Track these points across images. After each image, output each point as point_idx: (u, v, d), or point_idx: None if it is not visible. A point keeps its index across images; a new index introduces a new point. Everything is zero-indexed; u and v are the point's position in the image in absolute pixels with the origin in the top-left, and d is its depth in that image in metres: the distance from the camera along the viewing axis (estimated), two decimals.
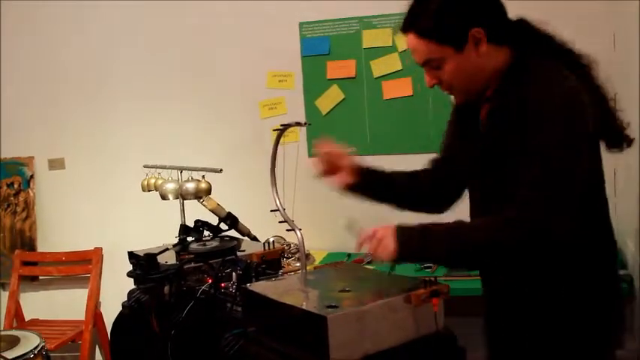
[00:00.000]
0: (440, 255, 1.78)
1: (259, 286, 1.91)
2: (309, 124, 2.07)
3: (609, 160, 3.47)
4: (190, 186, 2.62)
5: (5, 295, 4.49)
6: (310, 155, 4.15)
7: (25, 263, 4.51)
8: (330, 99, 4.11)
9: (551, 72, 1.79)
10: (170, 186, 2.75)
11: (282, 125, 2.06)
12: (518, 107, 1.76)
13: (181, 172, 2.73)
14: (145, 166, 3.04)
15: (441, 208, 2.19)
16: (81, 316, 4.31)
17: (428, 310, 1.74)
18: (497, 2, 1.87)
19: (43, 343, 2.93)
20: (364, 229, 1.80)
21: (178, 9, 4.30)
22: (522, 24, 1.92)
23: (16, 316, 4.44)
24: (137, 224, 4.23)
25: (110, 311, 3.84)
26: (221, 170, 2.55)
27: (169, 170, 2.86)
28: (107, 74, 4.48)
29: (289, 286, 1.93)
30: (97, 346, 4.53)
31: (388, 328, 1.68)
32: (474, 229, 1.79)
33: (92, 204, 4.52)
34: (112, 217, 4.45)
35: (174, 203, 2.92)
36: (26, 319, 4.52)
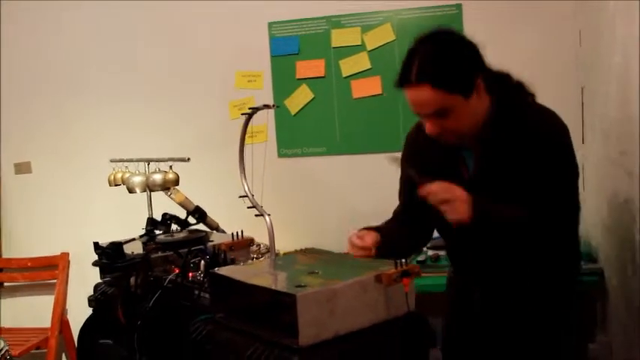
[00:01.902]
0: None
1: (227, 270, 1.88)
2: (278, 107, 2.05)
3: (578, 155, 3.52)
4: (158, 177, 2.58)
5: None
6: (280, 155, 4.15)
7: None
8: (299, 99, 4.09)
9: (542, 111, 2.02)
10: (137, 179, 2.71)
11: (250, 108, 2.03)
12: (527, 139, 1.94)
13: (148, 164, 2.70)
14: (111, 161, 3.00)
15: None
16: (47, 323, 4.23)
17: (399, 290, 1.72)
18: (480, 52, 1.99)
19: (7, 348, 2.85)
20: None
21: (146, 8, 4.27)
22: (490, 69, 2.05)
23: None
24: (106, 226, 4.12)
25: (78, 318, 3.78)
26: (189, 159, 2.52)
27: (137, 164, 2.82)
28: (72, 76, 4.43)
29: (258, 269, 1.90)
30: (63, 354, 4.43)
31: (359, 308, 1.66)
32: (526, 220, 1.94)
33: (60, 208, 4.45)
34: (80, 220, 4.37)
35: (143, 200, 2.88)
36: None
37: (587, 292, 3.09)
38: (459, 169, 2.07)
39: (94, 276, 2.57)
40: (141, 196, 3.14)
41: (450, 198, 1.86)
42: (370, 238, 2.02)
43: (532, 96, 2.11)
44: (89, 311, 2.68)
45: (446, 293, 2.40)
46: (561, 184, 1.97)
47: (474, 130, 1.98)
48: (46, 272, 4.38)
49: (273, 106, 1.99)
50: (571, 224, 2.06)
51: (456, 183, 1.98)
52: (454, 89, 1.88)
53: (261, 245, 3.62)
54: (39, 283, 4.45)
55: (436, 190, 1.89)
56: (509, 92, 2.05)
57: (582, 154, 3.62)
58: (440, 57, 1.90)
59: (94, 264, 2.36)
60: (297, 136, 4.12)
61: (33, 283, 4.46)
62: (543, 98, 3.63)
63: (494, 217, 1.90)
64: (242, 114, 2.06)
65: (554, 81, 3.72)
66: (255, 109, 1.99)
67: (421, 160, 2.15)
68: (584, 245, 3.46)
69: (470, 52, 1.95)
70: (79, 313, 3.35)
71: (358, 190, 4.00)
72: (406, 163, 2.21)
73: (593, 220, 3.36)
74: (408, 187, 2.17)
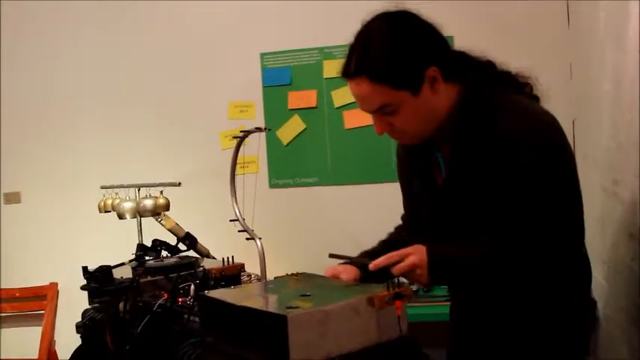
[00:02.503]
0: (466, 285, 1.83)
1: (217, 293, 1.85)
2: (269, 130, 2.04)
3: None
4: (148, 202, 2.57)
5: None
6: (271, 186, 4.14)
7: None
8: (291, 129, 4.09)
9: (521, 107, 1.75)
10: (127, 204, 2.71)
11: (242, 131, 2.03)
12: (495, 142, 1.69)
13: (139, 190, 2.68)
14: (102, 187, 2.99)
15: None
16: (35, 354, 4.17)
17: (391, 313, 1.69)
18: (443, 38, 1.77)
19: None
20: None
21: (139, 37, 4.30)
22: (464, 56, 1.86)
23: None
24: (95, 255, 4.10)
25: (66, 349, 3.72)
26: (179, 184, 2.51)
27: (127, 190, 2.80)
28: (63, 106, 4.42)
29: (248, 292, 1.87)
30: None
31: (350, 330, 1.63)
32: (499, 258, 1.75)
33: (49, 238, 4.41)
34: (69, 250, 4.33)
35: (133, 229, 2.87)
36: None
37: None
38: (433, 174, 1.87)
39: (84, 306, 2.54)
40: (131, 225, 3.14)
41: (408, 264, 1.73)
42: (347, 276, 1.91)
43: (522, 87, 1.87)
44: (77, 342, 2.65)
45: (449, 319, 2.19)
46: (535, 203, 1.67)
47: (434, 127, 1.77)
48: (35, 302, 4.32)
49: (266, 129, 1.99)
50: (559, 251, 1.74)
51: (428, 192, 1.88)
52: (398, 84, 1.66)
53: (252, 275, 3.61)
54: (27, 313, 4.39)
55: (389, 258, 1.75)
56: (481, 82, 1.79)
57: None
58: (382, 46, 1.68)
59: (83, 288, 2.32)
60: (288, 167, 4.11)
61: (21, 314, 4.40)
62: None
63: (454, 270, 1.76)
64: (234, 137, 2.05)
65: None
66: (247, 132, 1.98)
67: (404, 169, 2.02)
68: None
69: (422, 39, 1.71)
70: (67, 344, 3.30)
71: (350, 220, 3.98)
72: (399, 172, 2.08)
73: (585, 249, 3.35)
74: (407, 189, 2.03)
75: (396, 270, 1.72)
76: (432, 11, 3.93)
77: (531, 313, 1.82)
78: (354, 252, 2.06)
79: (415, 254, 1.72)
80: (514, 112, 1.71)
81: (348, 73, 1.71)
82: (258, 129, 1.97)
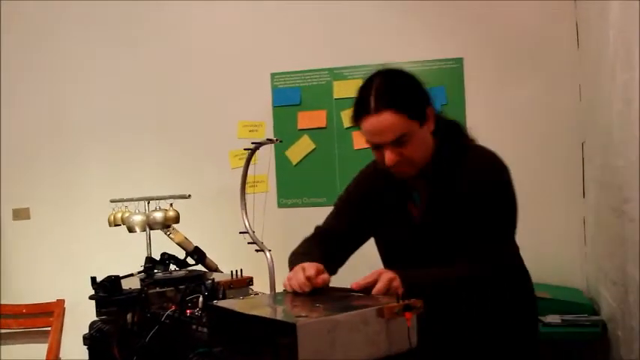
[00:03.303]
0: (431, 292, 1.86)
1: (226, 303, 1.85)
2: (281, 141, 2.05)
3: (580, 209, 3.52)
4: (158, 215, 2.57)
5: None
6: (280, 205, 4.14)
7: None
8: (300, 149, 4.11)
9: (482, 151, 2.07)
10: (137, 217, 2.71)
11: (253, 143, 2.03)
12: (468, 187, 1.98)
13: (148, 203, 2.69)
14: (111, 201, 3.00)
15: None
16: None
17: (401, 325, 1.68)
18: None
19: None
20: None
21: (149, 56, 4.34)
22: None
23: None
24: (103, 270, 4.12)
25: None
26: (189, 196, 2.51)
27: (137, 204, 2.81)
28: (73, 124, 4.47)
29: (257, 303, 1.87)
30: None
31: (360, 341, 1.62)
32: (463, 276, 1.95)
33: (57, 254, 4.43)
34: (77, 268, 4.30)
35: (142, 245, 2.86)
36: None
37: (590, 344, 3.06)
38: (409, 211, 2.11)
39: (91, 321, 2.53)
40: (140, 240, 3.13)
41: (383, 280, 1.83)
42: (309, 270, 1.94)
43: (467, 137, 2.15)
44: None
45: None
46: (495, 224, 2.00)
47: (423, 165, 2.03)
48: (41, 319, 4.32)
49: (277, 140, 1.98)
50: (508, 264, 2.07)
51: (405, 226, 2.09)
52: (412, 115, 1.94)
53: (260, 293, 3.60)
54: (34, 330, 4.38)
55: (366, 280, 1.85)
56: (450, 131, 2.11)
57: (584, 209, 3.63)
58: (395, 84, 1.97)
59: (91, 297, 2.32)
60: (297, 187, 4.12)
61: (28, 330, 4.39)
62: (544, 153, 3.70)
63: (425, 279, 1.91)
64: (245, 149, 2.06)
65: (555, 136, 3.75)
66: (258, 144, 1.98)
67: (373, 200, 2.18)
68: (584, 297, 3.45)
69: (418, 82, 2.02)
70: None
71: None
72: (357, 195, 2.25)
73: (595, 272, 3.34)
74: (353, 217, 2.21)
75: (376, 290, 1.81)
76: (441, 34, 3.98)
77: (489, 315, 2.07)
78: (363, 270, 2.07)
79: (386, 272, 1.85)
80: (477, 157, 2.05)
81: (368, 110, 1.93)
82: (270, 140, 1.98)
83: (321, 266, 1.95)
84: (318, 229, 2.32)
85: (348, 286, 1.90)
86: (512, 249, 2.10)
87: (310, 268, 1.92)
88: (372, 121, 1.93)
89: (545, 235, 3.61)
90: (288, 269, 2.03)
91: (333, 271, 2.14)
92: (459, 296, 1.97)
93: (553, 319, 3.12)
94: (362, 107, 1.96)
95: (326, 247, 2.20)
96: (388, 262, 2.22)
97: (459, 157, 2.05)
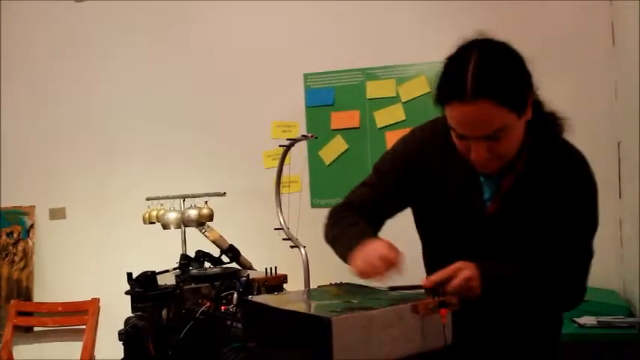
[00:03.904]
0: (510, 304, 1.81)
1: (260, 298, 1.86)
2: (316, 137, 2.04)
3: (616, 209, 3.47)
4: (192, 212, 2.59)
5: None
6: (313, 205, 4.14)
7: (21, 313, 4.43)
8: (333, 149, 4.11)
9: (579, 156, 1.85)
10: (172, 215, 2.73)
11: (288, 140, 2.04)
12: (557, 185, 1.77)
13: (184, 201, 2.71)
14: (147, 199, 3.02)
15: None
16: None
17: (436, 322, 1.67)
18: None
19: None
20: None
21: (185, 57, 4.38)
22: None
23: None
24: (138, 269, 4.18)
25: None
26: (224, 194, 2.52)
27: (172, 202, 2.83)
28: (108, 122, 4.54)
29: (291, 298, 1.87)
30: None
31: (394, 337, 1.61)
32: (542, 283, 1.80)
33: (92, 254, 4.48)
34: (111, 266, 4.36)
35: (176, 242, 2.88)
36: None
37: (626, 346, 3.01)
38: (478, 202, 1.85)
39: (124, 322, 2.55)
40: (174, 239, 3.15)
41: (460, 277, 1.66)
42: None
43: (560, 127, 1.89)
44: (118, 358, 2.66)
45: None
46: (581, 236, 1.82)
47: (506, 163, 1.76)
48: (76, 317, 4.37)
49: (312, 136, 1.98)
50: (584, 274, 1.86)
51: (472, 213, 1.84)
52: (513, 106, 1.62)
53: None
54: (68, 328, 4.43)
55: (443, 274, 1.68)
56: (546, 122, 1.84)
57: (619, 209, 3.58)
58: (498, 66, 1.64)
59: (127, 293, 2.35)
60: (330, 187, 4.12)
61: (62, 328, 4.44)
62: (582, 151, 3.65)
63: (504, 282, 1.73)
64: (280, 145, 2.06)
65: (590, 136, 3.68)
66: (293, 141, 1.99)
67: (429, 168, 1.89)
68: (620, 299, 3.40)
69: (523, 62, 1.71)
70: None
71: (393, 239, 3.95)
72: (406, 162, 1.94)
73: (632, 274, 3.30)
74: (396, 188, 1.94)
75: (451, 287, 1.66)
76: (475, 34, 3.94)
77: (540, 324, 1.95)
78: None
79: (466, 268, 1.67)
80: (577, 159, 1.83)
81: (463, 95, 1.61)
82: (305, 136, 1.98)
83: (392, 244, 1.76)
84: (349, 200, 2.05)
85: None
86: (589, 261, 1.87)
87: (386, 249, 1.73)
88: (465, 111, 1.62)
89: None
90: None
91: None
92: (530, 301, 1.83)
93: (588, 320, 3.07)
94: (454, 89, 1.63)
95: (365, 220, 1.93)
96: (433, 248, 2.02)
97: (551, 154, 1.80)
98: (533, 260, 1.78)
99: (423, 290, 1.70)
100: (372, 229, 1.91)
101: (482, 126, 1.63)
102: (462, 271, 1.66)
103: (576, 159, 1.83)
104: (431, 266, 1.99)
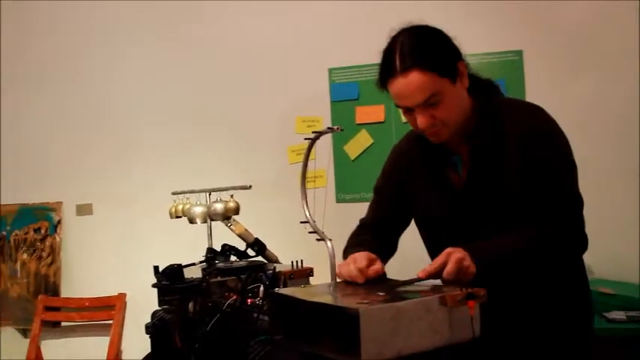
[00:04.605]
0: (505, 270, 1.81)
1: (288, 290, 1.86)
2: (342, 130, 2.03)
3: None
4: (219, 206, 2.59)
5: (27, 341, 4.42)
6: (338, 200, 4.13)
7: (48, 309, 4.46)
8: (358, 144, 4.10)
9: (527, 105, 1.99)
10: (198, 209, 2.73)
11: (314, 132, 2.03)
12: (518, 136, 1.87)
13: (209, 195, 2.71)
14: (173, 193, 3.03)
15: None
16: None
17: (464, 314, 1.66)
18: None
19: None
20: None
21: (210, 52, 4.39)
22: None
23: None
24: (164, 264, 4.20)
25: None
26: (250, 187, 2.52)
27: (198, 196, 2.84)
28: (133, 118, 4.56)
29: (318, 290, 1.86)
30: None
31: (422, 329, 1.60)
32: (535, 243, 1.84)
33: (119, 249, 4.50)
34: (138, 262, 4.38)
35: (202, 236, 2.88)
36: None
37: None
38: (448, 178, 2.00)
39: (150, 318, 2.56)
40: (200, 234, 3.16)
41: (453, 261, 1.73)
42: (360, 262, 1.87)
43: (502, 94, 2.06)
44: (144, 353, 2.68)
45: None
46: (563, 179, 1.88)
47: (461, 126, 1.91)
48: (103, 312, 4.40)
49: (338, 128, 1.96)
50: (578, 220, 1.90)
51: (445, 195, 1.97)
52: (442, 71, 1.80)
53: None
54: (95, 323, 4.46)
55: (436, 264, 1.75)
56: (487, 89, 1.99)
57: None
58: (421, 41, 1.83)
59: (154, 286, 2.36)
60: (355, 182, 4.11)
61: (89, 323, 4.48)
62: (604, 144, 3.62)
63: (496, 254, 1.79)
64: (305, 139, 2.05)
65: (615, 127, 3.68)
66: (319, 133, 1.98)
67: (409, 175, 2.10)
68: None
69: (446, 38, 1.89)
70: (133, 356, 3.34)
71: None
72: (393, 175, 2.19)
73: None
74: (394, 199, 2.16)
75: (447, 273, 1.73)
76: (501, 27, 3.92)
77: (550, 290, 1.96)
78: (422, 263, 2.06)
79: (455, 252, 1.74)
80: (519, 109, 1.95)
81: (394, 72, 1.81)
82: (331, 129, 1.96)
83: (373, 256, 1.89)
84: (362, 221, 2.29)
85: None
86: (579, 203, 1.90)
87: (361, 258, 1.87)
88: (398, 83, 1.81)
89: (602, 232, 3.53)
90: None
91: (386, 260, 2.12)
92: (532, 266, 1.86)
93: (618, 315, 3.05)
94: (387, 69, 1.84)
95: (375, 236, 2.15)
96: (430, 239, 2.14)
97: (500, 112, 1.92)
98: (519, 219, 1.85)
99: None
100: (384, 244, 2.12)
101: (417, 94, 1.80)
102: (452, 255, 1.73)
103: (528, 106, 1.96)
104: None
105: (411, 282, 1.82)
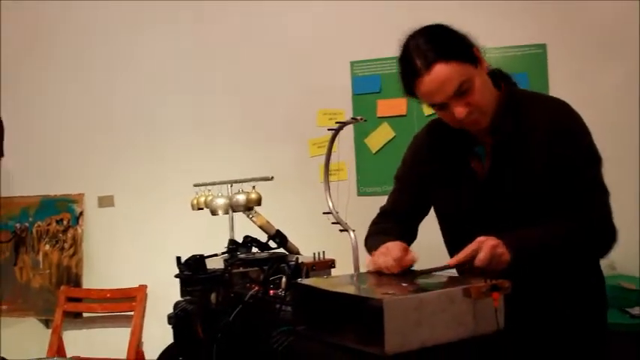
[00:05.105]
0: (537, 262, 1.81)
1: (310, 281, 1.85)
2: (365, 120, 2.03)
3: None
4: (241, 197, 2.59)
5: (49, 332, 4.46)
6: (360, 194, 4.12)
7: (70, 299, 4.50)
8: (380, 137, 4.09)
9: (552, 99, 1.98)
10: (220, 201, 2.73)
11: (337, 123, 2.02)
12: (544, 130, 1.86)
13: (231, 186, 2.71)
14: (195, 185, 3.04)
15: None
16: (123, 355, 4.25)
17: (488, 306, 1.64)
18: None
19: None
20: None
21: (232, 44, 4.40)
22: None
23: (58, 352, 4.39)
24: (186, 255, 4.21)
25: (153, 352, 3.78)
26: (272, 178, 2.52)
27: (219, 187, 2.84)
28: (155, 110, 4.58)
29: (341, 281, 1.86)
30: None
31: (446, 320, 1.59)
32: (568, 234, 1.83)
33: (140, 241, 4.53)
34: (159, 253, 4.40)
35: (224, 229, 2.89)
36: (68, 357, 4.46)
37: None
38: (471, 169, 1.98)
39: (170, 309, 2.56)
40: (222, 226, 3.16)
41: (485, 249, 1.71)
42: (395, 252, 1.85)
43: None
44: (164, 344, 2.69)
45: None
46: (589, 173, 1.88)
47: (492, 110, 1.90)
48: (124, 304, 4.43)
49: (361, 119, 1.96)
50: (606, 213, 1.89)
51: (470, 184, 1.96)
52: (462, 57, 1.80)
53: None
54: (116, 314, 4.48)
55: (467, 251, 1.73)
56: (500, 78, 1.99)
57: None
58: (433, 36, 1.84)
59: (176, 276, 2.36)
60: (377, 175, 4.10)
61: (111, 314, 4.50)
62: (628, 137, 3.58)
63: (531, 245, 1.78)
64: (328, 129, 2.05)
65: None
66: (343, 124, 1.97)
67: (430, 164, 2.09)
68: None
69: (452, 28, 1.89)
70: (154, 347, 3.35)
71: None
72: (414, 165, 2.18)
73: None
74: (415, 188, 2.15)
75: (479, 261, 1.71)
76: (524, 20, 3.90)
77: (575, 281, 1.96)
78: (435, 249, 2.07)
79: (487, 239, 1.72)
80: (552, 103, 1.95)
81: (418, 72, 1.80)
82: (354, 119, 1.96)
83: (405, 246, 1.87)
84: (383, 209, 2.30)
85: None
86: (606, 195, 1.90)
87: (395, 248, 1.85)
88: (426, 82, 1.79)
89: (625, 228, 3.50)
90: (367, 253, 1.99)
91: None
92: (563, 259, 1.85)
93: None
94: (410, 73, 1.83)
95: (397, 224, 2.16)
96: (451, 230, 2.13)
97: (525, 105, 1.93)
98: (542, 213, 1.85)
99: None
100: (405, 231, 2.13)
101: (446, 85, 1.79)
102: (485, 242, 1.71)
103: (555, 101, 1.96)
104: (453, 252, 2.00)
105: (429, 272, 1.81)
